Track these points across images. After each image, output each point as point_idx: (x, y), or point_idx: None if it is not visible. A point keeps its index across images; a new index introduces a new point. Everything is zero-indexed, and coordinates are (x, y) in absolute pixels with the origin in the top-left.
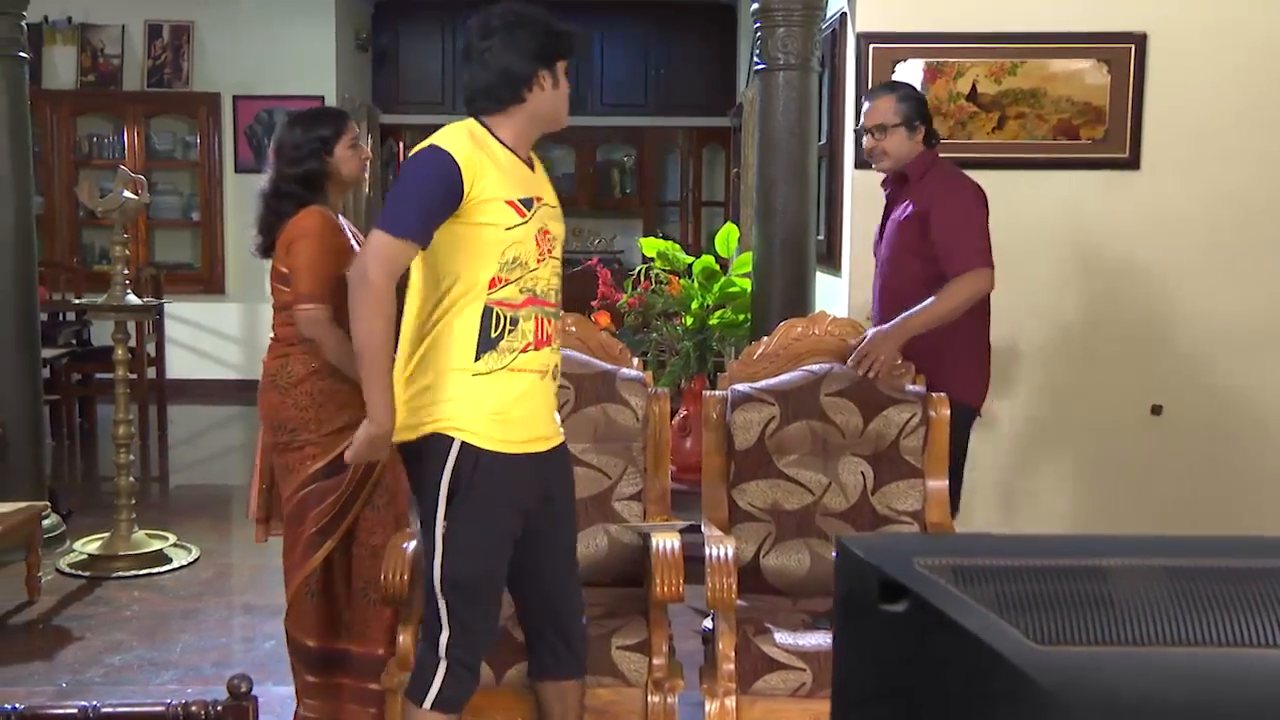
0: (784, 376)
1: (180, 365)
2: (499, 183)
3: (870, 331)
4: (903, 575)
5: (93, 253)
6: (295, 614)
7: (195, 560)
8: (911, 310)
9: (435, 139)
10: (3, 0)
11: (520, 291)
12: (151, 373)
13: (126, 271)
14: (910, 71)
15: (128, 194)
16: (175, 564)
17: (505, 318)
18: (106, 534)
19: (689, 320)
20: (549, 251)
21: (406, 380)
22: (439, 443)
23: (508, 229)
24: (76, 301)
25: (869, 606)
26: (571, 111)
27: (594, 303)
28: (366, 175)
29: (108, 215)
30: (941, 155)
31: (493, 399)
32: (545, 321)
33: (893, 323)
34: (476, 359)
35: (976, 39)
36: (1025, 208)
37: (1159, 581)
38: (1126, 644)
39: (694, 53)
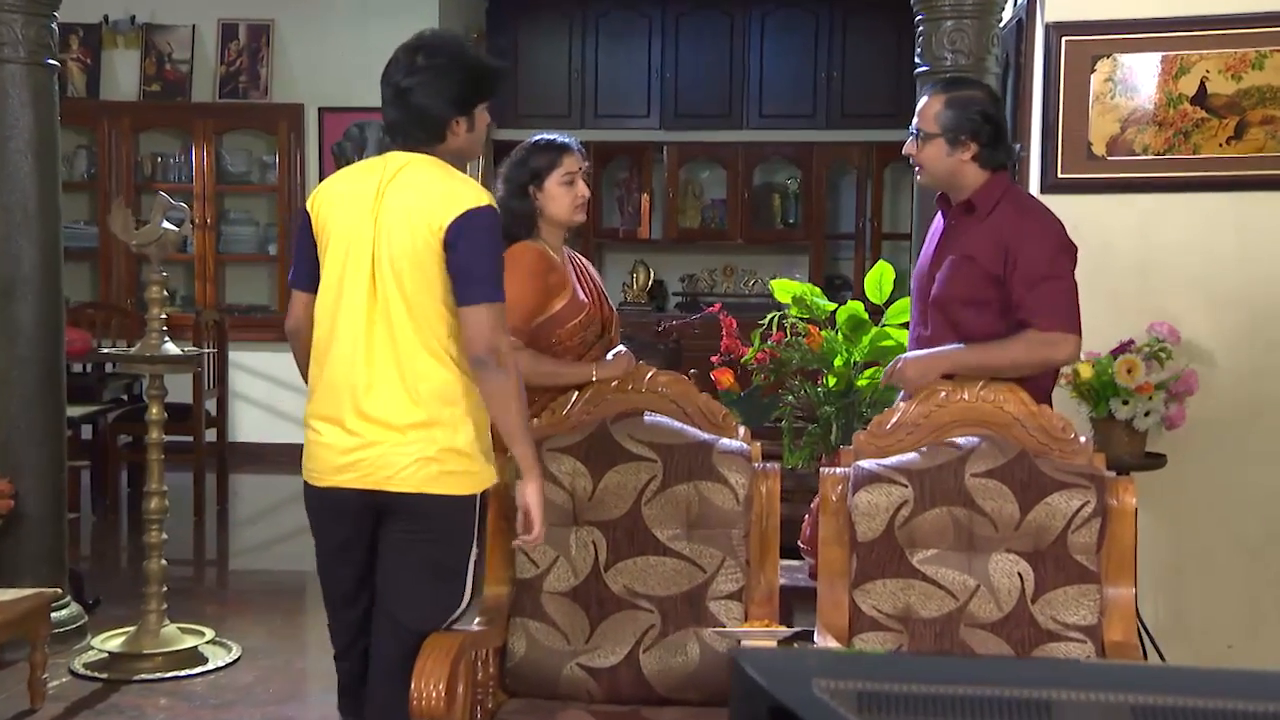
0: (921, 451)
1: (250, 427)
2: None
3: (901, 357)
4: (796, 700)
5: None
6: None
7: (235, 661)
8: (963, 346)
9: (481, 196)
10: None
11: None
12: (211, 435)
13: (165, 315)
14: (1133, 70)
15: (167, 224)
16: (210, 665)
17: None
18: (133, 628)
19: (832, 380)
20: None
21: (461, 424)
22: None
23: None
24: (104, 351)
25: None
26: (724, 125)
27: (714, 357)
28: (580, 217)
29: (143, 249)
30: (1151, 175)
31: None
32: None
33: (930, 351)
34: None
35: (1205, 24)
36: (1272, 238)
37: None
38: None
39: (873, 52)
